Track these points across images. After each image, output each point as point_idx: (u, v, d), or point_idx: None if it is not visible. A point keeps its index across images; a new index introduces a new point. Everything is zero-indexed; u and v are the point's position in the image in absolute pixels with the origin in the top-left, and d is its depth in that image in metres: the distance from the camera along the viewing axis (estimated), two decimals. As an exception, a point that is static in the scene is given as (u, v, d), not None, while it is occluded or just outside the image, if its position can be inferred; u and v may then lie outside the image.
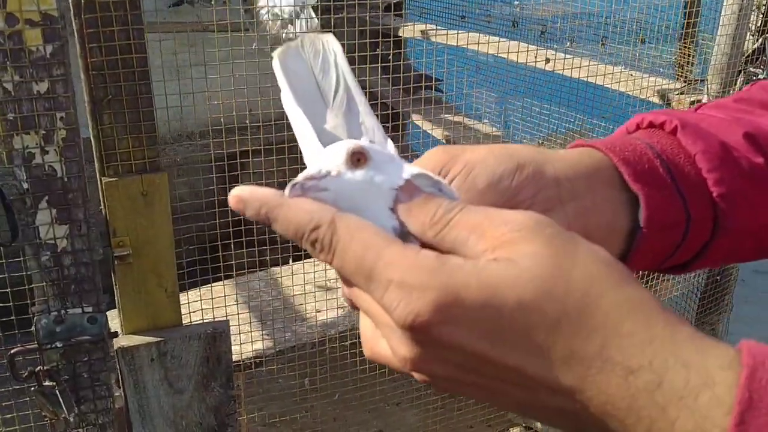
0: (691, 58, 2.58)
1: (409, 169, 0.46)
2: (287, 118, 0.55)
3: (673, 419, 0.34)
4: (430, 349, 0.39)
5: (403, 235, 0.45)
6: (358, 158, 0.45)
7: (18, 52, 1.16)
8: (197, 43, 3.01)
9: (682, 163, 0.55)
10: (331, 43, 0.55)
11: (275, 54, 0.54)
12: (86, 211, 1.29)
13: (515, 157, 0.52)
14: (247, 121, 2.39)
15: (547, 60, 2.27)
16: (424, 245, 0.43)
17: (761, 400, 0.33)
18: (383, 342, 0.44)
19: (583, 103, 2.65)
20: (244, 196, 0.45)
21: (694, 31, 2.63)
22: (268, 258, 2.27)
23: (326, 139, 0.52)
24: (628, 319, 0.36)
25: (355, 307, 0.50)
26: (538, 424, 2.47)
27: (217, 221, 2.09)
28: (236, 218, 2.66)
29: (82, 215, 1.28)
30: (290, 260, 2.36)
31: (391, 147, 0.53)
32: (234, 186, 0.48)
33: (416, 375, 0.42)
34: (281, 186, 0.47)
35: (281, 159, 2.57)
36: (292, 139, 0.55)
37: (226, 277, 2.12)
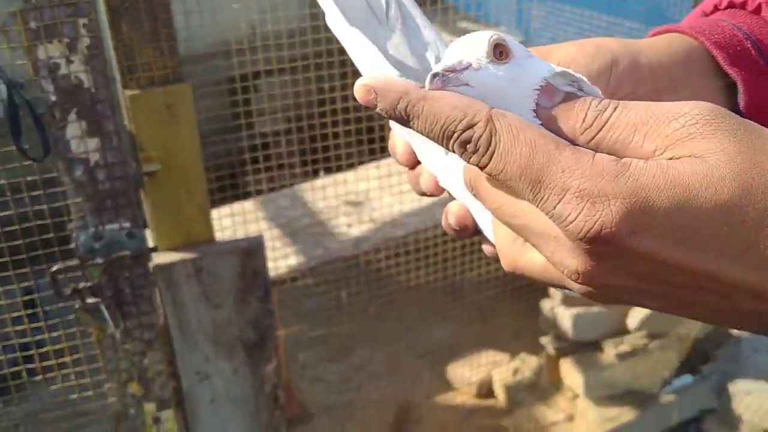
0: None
1: (549, 67, 0.41)
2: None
3: None
4: (612, 260, 0.35)
5: None
6: (501, 51, 0.40)
7: (34, -46, 1.10)
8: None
9: None
10: None
11: None
12: (116, 123, 1.25)
13: (608, 51, 0.48)
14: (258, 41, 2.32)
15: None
16: None
17: None
18: (532, 253, 0.40)
19: (608, 2, 2.55)
20: (376, 85, 0.39)
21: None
22: (287, 182, 2.24)
23: (390, 60, 0.47)
24: None
25: (462, 231, 0.47)
26: (569, 332, 2.49)
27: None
28: (252, 143, 2.61)
29: (113, 127, 1.25)
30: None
31: None
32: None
33: (581, 287, 0.38)
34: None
35: (296, 79, 2.52)
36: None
37: (243, 199, 2.10)
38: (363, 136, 2.61)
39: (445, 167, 0.47)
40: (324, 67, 1.98)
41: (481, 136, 0.36)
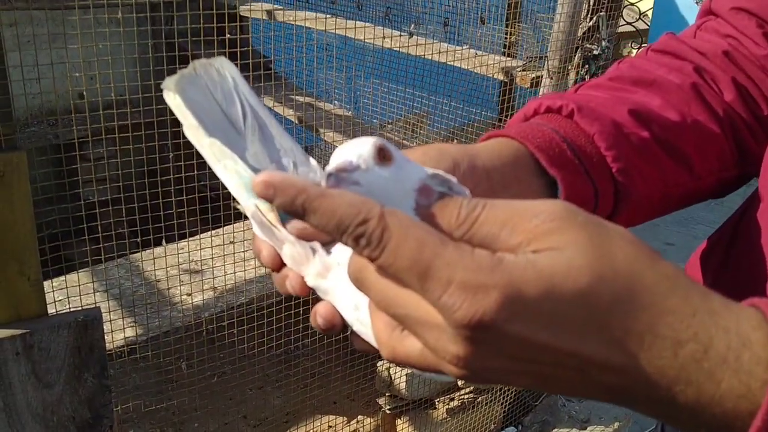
0: (517, 37, 2.80)
1: (423, 169, 0.45)
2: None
3: (719, 380, 0.37)
4: (489, 345, 0.39)
5: None
6: (384, 155, 0.43)
7: None
8: (22, 21, 2.79)
9: (584, 144, 0.59)
10: (226, 68, 0.50)
11: (168, 84, 0.48)
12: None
13: (449, 156, 0.53)
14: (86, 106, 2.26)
15: (411, 34, 2.35)
16: None
17: None
18: (410, 341, 0.43)
19: (430, 83, 2.78)
20: (275, 181, 0.41)
21: (518, 12, 2.85)
22: (116, 252, 2.16)
23: (250, 168, 0.48)
24: (671, 296, 0.38)
25: (330, 329, 0.48)
26: (403, 391, 2.58)
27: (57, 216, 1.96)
28: (76, 213, 2.50)
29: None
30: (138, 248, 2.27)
31: (314, 164, 0.51)
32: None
33: (460, 371, 0.41)
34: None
35: (125, 149, 2.46)
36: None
37: (68, 271, 1.99)
38: (196, 206, 2.59)
39: (314, 268, 0.48)
40: (155, 136, 1.97)
41: (374, 231, 0.39)
